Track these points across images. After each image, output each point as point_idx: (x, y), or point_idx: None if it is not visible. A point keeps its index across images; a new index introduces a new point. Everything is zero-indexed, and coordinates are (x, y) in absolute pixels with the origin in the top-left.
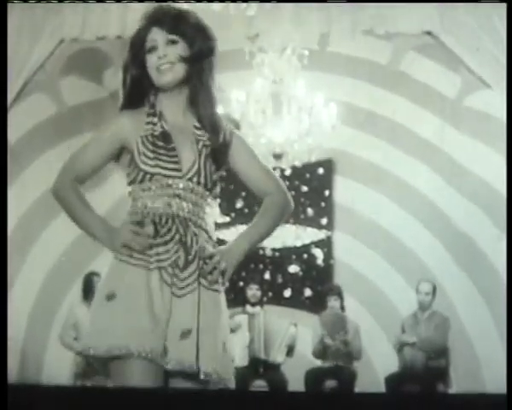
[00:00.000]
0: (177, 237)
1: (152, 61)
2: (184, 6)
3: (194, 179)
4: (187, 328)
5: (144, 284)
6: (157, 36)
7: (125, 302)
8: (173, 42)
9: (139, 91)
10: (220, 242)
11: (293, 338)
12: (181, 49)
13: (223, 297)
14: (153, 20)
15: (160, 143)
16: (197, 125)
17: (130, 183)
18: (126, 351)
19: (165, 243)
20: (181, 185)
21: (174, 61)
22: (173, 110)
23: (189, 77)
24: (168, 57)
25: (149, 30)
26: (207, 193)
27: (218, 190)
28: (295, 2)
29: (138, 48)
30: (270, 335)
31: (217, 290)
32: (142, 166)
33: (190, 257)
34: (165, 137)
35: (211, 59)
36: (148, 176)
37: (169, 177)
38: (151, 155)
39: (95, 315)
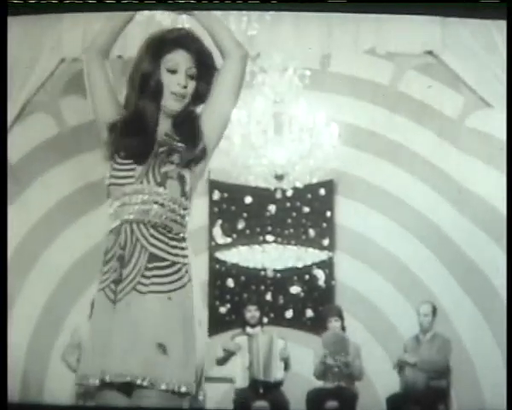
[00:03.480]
0: (118, 252)
1: (168, 81)
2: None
3: (144, 180)
4: (111, 336)
5: (97, 311)
6: (180, 61)
7: (91, 332)
8: (191, 77)
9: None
10: (222, 263)
11: (284, 351)
12: (196, 87)
13: (169, 297)
14: (178, 40)
15: (120, 153)
16: (169, 133)
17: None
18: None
19: (109, 261)
20: (132, 190)
21: (188, 94)
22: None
23: (185, 109)
24: (187, 90)
25: (173, 48)
26: (160, 188)
27: (172, 181)
28: (295, 17)
29: (157, 57)
30: (268, 355)
31: (162, 292)
32: (106, 181)
33: (125, 271)
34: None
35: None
36: (109, 190)
37: (122, 185)
38: (110, 168)
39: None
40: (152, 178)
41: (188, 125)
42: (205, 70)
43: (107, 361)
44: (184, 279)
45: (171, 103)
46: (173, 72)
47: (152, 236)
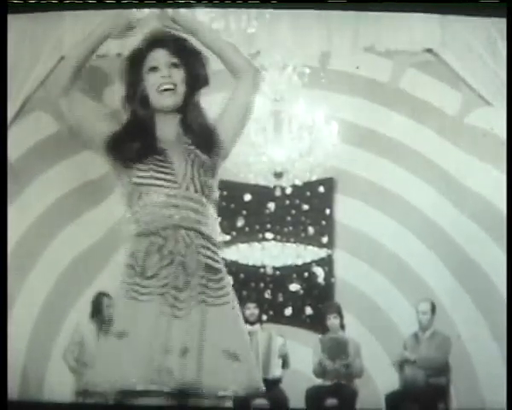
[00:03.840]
0: (178, 259)
1: (153, 80)
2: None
3: (191, 188)
4: (185, 346)
5: (152, 317)
6: (159, 56)
7: (135, 340)
8: (176, 65)
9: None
10: None
11: (283, 348)
12: (183, 73)
13: (232, 307)
14: (154, 41)
15: (156, 156)
16: (189, 142)
17: (129, 204)
18: (133, 387)
19: (167, 266)
20: (178, 195)
21: (177, 83)
22: (166, 132)
23: (186, 102)
24: (172, 78)
25: (151, 50)
26: (205, 199)
27: (215, 195)
28: (295, 15)
29: (137, 64)
30: (267, 352)
31: (224, 304)
32: (137, 181)
33: (190, 279)
34: (160, 151)
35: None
36: (144, 189)
37: (165, 187)
38: (145, 167)
39: (103, 354)
40: (199, 187)
41: (199, 131)
42: (187, 55)
43: (171, 369)
44: (230, 284)
45: (161, 101)
46: (155, 69)
47: (206, 247)
